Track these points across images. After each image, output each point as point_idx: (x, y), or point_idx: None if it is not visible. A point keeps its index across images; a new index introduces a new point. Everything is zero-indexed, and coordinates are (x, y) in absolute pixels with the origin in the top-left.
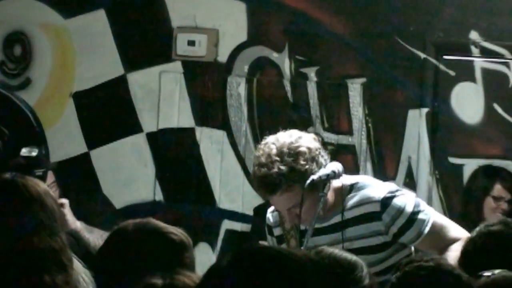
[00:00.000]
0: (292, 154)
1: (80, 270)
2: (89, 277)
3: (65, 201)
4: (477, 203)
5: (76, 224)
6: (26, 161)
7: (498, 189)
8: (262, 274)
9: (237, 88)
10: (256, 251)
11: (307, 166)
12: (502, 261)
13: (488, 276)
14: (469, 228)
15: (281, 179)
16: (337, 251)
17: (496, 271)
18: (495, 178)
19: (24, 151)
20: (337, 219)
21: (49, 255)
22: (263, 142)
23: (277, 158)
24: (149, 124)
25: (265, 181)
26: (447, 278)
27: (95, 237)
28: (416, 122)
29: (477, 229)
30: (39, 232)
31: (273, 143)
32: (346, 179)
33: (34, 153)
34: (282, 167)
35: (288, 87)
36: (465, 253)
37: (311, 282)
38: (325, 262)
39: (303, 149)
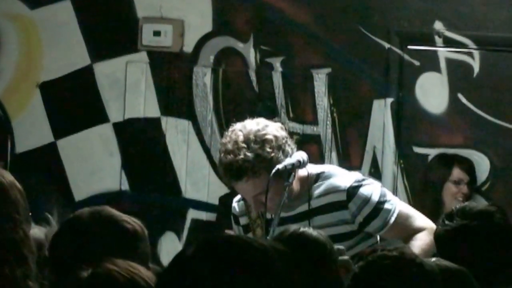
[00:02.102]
0: (258, 141)
1: None
2: None
3: None
4: (436, 192)
5: None
6: None
7: (457, 172)
8: (227, 263)
9: (203, 78)
10: (221, 240)
11: (273, 154)
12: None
13: None
14: (429, 218)
15: (247, 165)
16: (306, 230)
17: (432, 259)
18: (452, 162)
19: None
20: (303, 208)
21: (9, 247)
22: (230, 129)
23: (244, 145)
24: (115, 114)
25: (231, 168)
26: (411, 268)
27: None
28: (381, 112)
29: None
30: None
31: (240, 130)
32: (312, 168)
33: None
34: (248, 154)
35: (253, 77)
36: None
37: (276, 271)
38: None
39: (269, 137)
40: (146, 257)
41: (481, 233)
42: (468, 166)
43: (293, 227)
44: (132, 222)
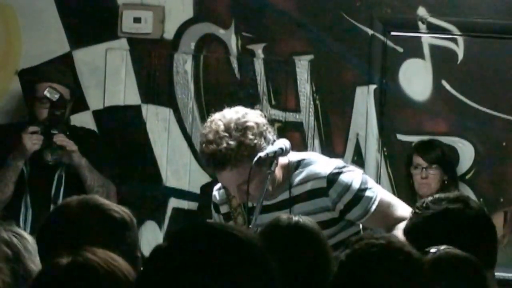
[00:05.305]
0: (240, 129)
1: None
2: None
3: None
4: (409, 180)
5: (81, 160)
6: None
7: (415, 158)
8: (205, 251)
9: (184, 65)
10: (197, 228)
11: (255, 141)
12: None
13: (434, 253)
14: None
15: (230, 154)
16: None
17: (442, 247)
18: (412, 151)
19: (46, 93)
20: (284, 196)
21: None
22: (209, 120)
23: (225, 134)
24: (95, 101)
25: (215, 158)
26: (398, 256)
27: (93, 178)
28: (364, 99)
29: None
30: None
31: (220, 120)
32: (293, 156)
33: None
34: (231, 142)
35: (235, 64)
36: (415, 227)
37: (257, 259)
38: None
39: (250, 124)
40: (134, 247)
41: (459, 216)
42: (423, 149)
43: (283, 217)
44: (121, 211)
